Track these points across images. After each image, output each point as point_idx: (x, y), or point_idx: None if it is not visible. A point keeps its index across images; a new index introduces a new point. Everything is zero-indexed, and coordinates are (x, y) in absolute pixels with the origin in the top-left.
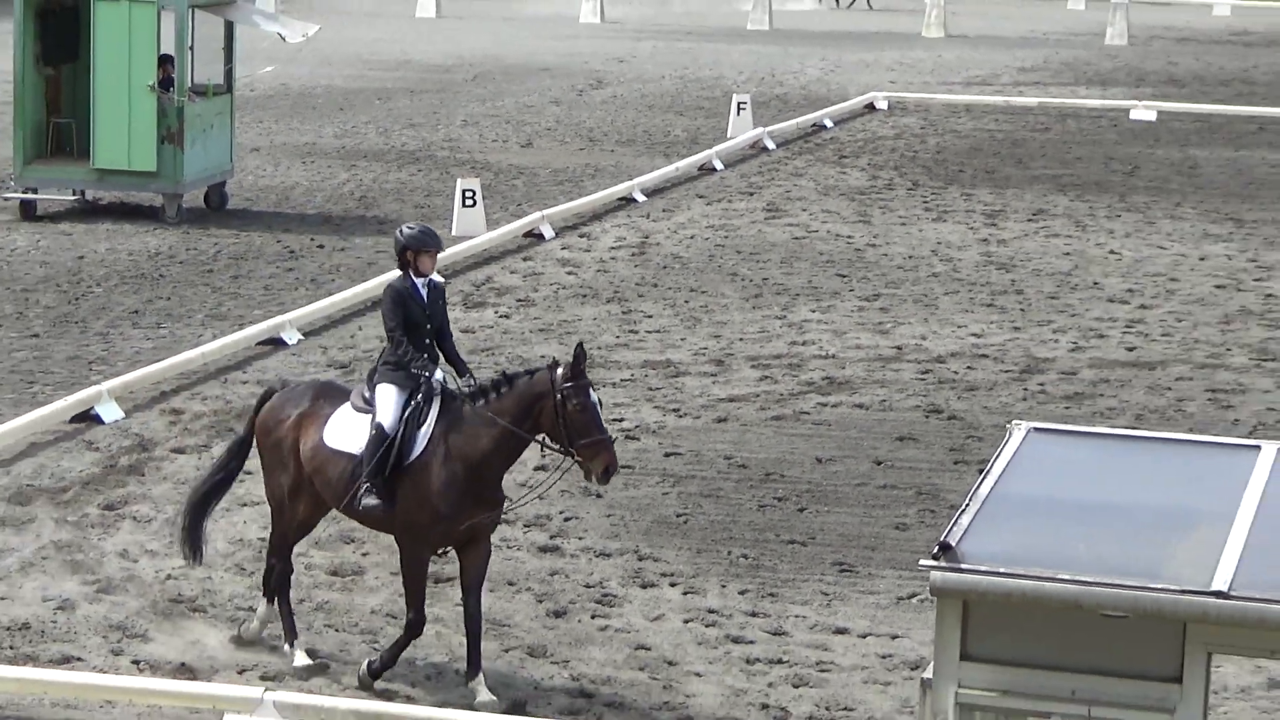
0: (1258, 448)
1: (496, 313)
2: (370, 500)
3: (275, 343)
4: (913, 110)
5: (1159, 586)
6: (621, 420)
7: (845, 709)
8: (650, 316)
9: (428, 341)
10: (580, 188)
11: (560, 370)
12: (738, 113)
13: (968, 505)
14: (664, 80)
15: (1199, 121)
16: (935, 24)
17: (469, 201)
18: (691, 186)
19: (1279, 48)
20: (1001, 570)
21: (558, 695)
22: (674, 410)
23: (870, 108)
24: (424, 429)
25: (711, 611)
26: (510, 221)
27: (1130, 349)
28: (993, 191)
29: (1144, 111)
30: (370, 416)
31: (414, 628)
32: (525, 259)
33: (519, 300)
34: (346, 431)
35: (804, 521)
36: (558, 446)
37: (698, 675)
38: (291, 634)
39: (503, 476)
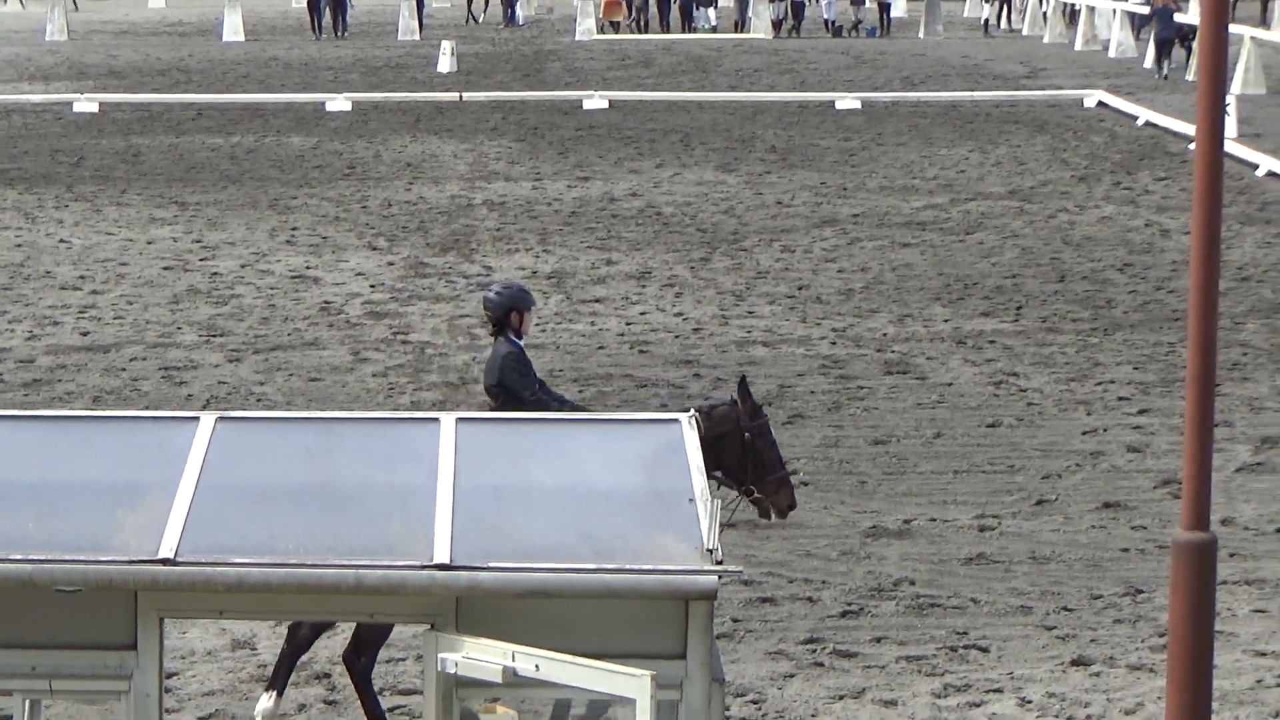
0: (197, 419)
1: None
2: None
3: None
4: None
5: (108, 559)
6: None
7: None
8: None
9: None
10: None
11: (741, 406)
12: None
13: None
14: None
15: (140, 111)
16: None
17: None
18: None
19: (211, 37)
20: None
21: None
22: None
23: None
24: None
25: None
26: None
27: (85, 334)
28: None
29: (87, 103)
30: None
31: None
32: None
33: None
34: None
35: None
36: (734, 483)
37: None
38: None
39: None
